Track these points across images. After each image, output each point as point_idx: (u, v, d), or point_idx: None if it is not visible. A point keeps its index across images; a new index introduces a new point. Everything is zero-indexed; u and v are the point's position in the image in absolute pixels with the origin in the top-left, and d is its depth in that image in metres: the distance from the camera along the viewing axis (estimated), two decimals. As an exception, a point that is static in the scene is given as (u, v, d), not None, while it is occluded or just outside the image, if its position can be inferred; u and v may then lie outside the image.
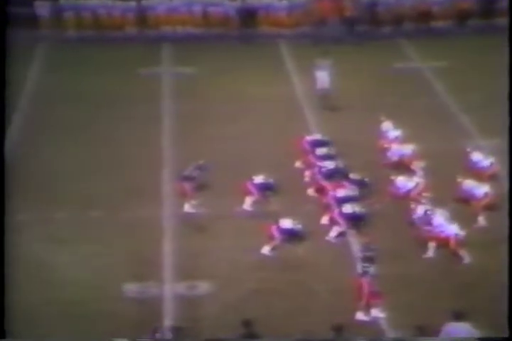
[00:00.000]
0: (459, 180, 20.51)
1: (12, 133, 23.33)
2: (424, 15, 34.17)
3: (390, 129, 23.57)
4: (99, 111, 26.43)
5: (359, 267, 16.53)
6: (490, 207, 19.85)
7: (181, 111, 26.49)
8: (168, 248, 18.90)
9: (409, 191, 20.46)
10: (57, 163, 23.03)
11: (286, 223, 18.70)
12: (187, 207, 20.18)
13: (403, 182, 20.69)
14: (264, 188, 20.45)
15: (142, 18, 33.62)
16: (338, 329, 14.75)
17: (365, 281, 16.26)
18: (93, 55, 31.12)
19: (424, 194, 20.21)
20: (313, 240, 18.90)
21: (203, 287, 17.45)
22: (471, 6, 34.24)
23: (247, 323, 15.10)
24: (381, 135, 23.45)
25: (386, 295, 16.75)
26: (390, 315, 16.38)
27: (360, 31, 33.72)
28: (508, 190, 17.61)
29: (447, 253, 18.35)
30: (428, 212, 19.01)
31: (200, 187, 20.75)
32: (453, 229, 18.48)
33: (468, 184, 20.39)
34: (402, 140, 23.17)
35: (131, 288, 17.38)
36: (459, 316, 14.54)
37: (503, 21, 33.04)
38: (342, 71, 29.83)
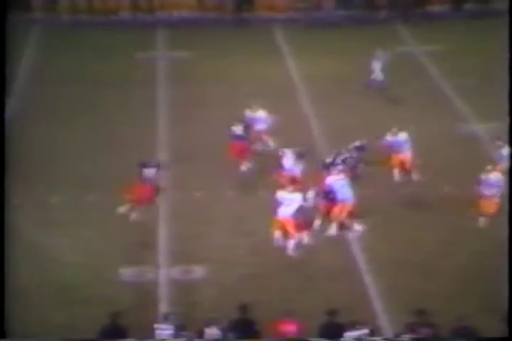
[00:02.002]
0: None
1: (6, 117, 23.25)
2: (421, 0, 34.14)
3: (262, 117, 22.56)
4: (95, 96, 26.37)
5: None
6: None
7: (177, 95, 26.45)
8: (163, 232, 18.93)
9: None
10: (51, 146, 23.00)
11: None
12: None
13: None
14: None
15: (137, 2, 33.51)
16: (332, 314, 14.79)
17: None
18: (88, 39, 31.03)
19: None
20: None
21: (199, 271, 17.49)
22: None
23: (243, 308, 15.13)
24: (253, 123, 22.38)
25: (381, 279, 16.86)
26: (386, 299, 16.46)
27: (356, 15, 33.70)
28: (508, 188, 17.44)
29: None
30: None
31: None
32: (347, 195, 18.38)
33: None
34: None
35: (126, 272, 17.41)
36: None
37: (498, 6, 33.09)
38: (336, 55, 29.92)
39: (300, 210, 17.98)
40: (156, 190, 19.46)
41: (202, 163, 21.35)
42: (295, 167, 19.94)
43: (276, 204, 17.92)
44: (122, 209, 19.14)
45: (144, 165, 19.45)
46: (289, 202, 17.87)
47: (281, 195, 17.96)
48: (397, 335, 14.43)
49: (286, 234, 18.02)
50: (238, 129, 21.73)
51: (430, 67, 28.64)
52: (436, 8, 34.21)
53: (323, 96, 26.24)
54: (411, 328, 14.31)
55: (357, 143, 20.49)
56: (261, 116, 22.58)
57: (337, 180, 18.60)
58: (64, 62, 28.80)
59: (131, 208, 19.17)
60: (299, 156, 20.12)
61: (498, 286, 16.06)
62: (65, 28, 32.03)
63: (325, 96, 26.16)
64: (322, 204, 18.76)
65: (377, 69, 26.53)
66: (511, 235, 15.05)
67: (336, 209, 18.50)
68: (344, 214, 18.55)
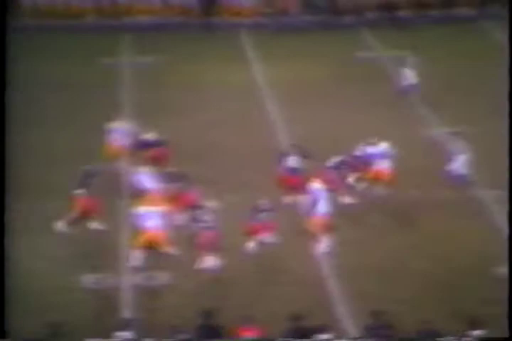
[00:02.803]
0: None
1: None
2: (386, 5, 34.27)
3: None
4: (61, 100, 26.20)
5: None
6: None
7: (143, 100, 26.29)
8: (126, 239, 18.76)
9: None
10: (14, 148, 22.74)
11: None
12: None
13: None
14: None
15: (102, 6, 33.34)
16: (297, 318, 14.73)
17: None
18: (52, 44, 30.83)
19: None
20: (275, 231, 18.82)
21: (162, 277, 17.36)
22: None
23: (207, 314, 15.02)
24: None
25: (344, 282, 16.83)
26: (348, 302, 16.42)
27: (323, 20, 33.78)
28: (508, 191, 17.42)
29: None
30: None
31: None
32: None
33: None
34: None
35: (89, 279, 17.24)
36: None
37: (462, 12, 33.45)
38: (304, 60, 29.95)
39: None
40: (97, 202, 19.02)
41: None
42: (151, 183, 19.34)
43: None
44: (59, 225, 18.92)
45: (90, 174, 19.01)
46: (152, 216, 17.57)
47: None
48: (360, 338, 14.41)
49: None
50: (151, 136, 21.48)
51: (396, 72, 28.73)
52: (401, 14, 34.36)
53: (290, 100, 26.21)
54: (371, 330, 14.28)
55: (338, 159, 19.94)
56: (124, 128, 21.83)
57: (321, 191, 18.07)
58: (28, 67, 28.55)
59: (72, 223, 18.95)
60: (175, 178, 19.51)
61: (464, 290, 16.12)
62: (29, 33, 31.75)
63: (292, 101, 26.13)
64: (251, 224, 18.15)
65: (408, 75, 26.29)
66: (511, 235, 15.03)
67: (316, 222, 18.04)
68: (320, 228, 18.07)
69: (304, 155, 19.95)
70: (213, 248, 17.49)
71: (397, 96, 26.34)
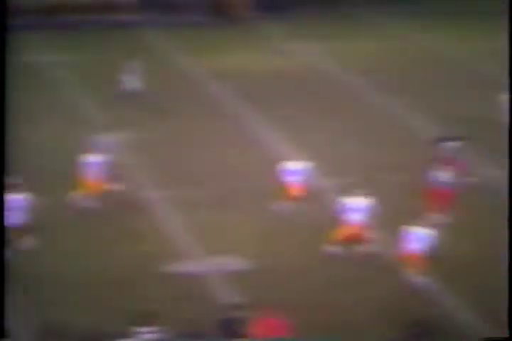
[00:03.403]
0: None
1: None
2: (48, 9, 34.47)
3: None
4: None
5: None
6: None
7: None
8: None
9: None
10: None
11: None
12: None
13: None
14: None
15: None
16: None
17: None
18: None
19: None
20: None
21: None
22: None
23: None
24: None
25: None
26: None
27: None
28: (508, 190, 17.48)
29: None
30: None
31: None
32: None
33: None
34: None
35: None
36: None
37: (123, 17, 34.31)
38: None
39: None
40: None
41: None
42: None
43: None
44: None
45: None
46: None
47: None
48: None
49: None
50: None
51: (67, 77, 29.12)
52: (66, 17, 34.78)
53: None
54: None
55: None
56: None
57: (17, 200, 17.89)
58: None
59: None
60: None
61: (134, 289, 16.34)
62: None
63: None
64: None
65: (129, 81, 26.07)
66: (511, 233, 15.02)
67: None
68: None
69: None
70: None
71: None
